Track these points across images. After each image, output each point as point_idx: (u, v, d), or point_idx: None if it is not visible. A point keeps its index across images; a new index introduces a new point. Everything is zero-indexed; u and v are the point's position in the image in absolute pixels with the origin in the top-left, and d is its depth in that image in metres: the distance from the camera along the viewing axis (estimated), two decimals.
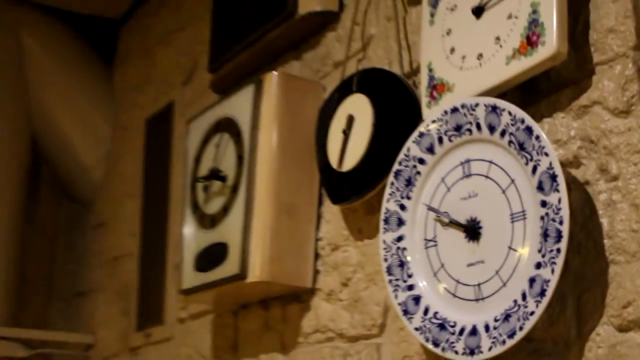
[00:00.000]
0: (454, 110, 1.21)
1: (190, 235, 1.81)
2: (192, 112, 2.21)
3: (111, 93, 2.77)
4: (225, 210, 1.68)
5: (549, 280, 1.01)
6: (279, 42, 1.80)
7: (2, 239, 2.52)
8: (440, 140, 1.24)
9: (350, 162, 1.46)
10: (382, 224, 1.32)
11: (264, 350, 1.76)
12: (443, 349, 1.16)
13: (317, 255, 1.63)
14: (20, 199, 2.60)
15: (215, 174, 1.71)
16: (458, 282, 1.18)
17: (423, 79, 1.33)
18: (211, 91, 2.10)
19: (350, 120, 1.48)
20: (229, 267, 1.63)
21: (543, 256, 1.02)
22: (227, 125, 1.74)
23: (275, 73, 1.67)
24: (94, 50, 2.82)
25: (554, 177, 1.02)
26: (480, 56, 1.20)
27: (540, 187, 1.04)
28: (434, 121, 1.25)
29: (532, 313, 1.02)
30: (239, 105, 1.71)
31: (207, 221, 1.74)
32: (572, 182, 1.07)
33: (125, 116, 2.67)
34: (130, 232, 2.48)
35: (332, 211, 1.61)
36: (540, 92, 1.16)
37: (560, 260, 0.99)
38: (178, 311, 2.14)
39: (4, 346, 2.45)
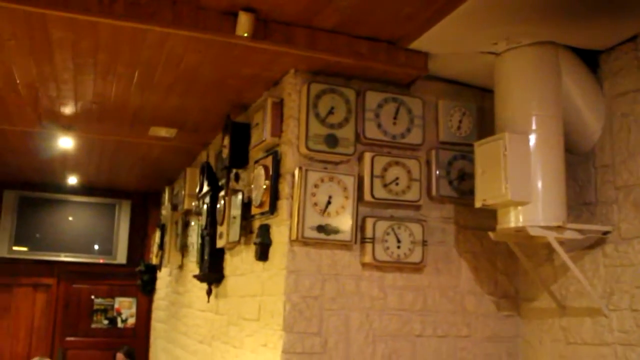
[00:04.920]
0: None
1: None
2: None
3: (600, 93, 3.34)
4: None
5: None
6: None
7: (559, 176, 3.21)
8: None
9: None
10: None
11: None
12: None
13: None
14: (562, 152, 3.24)
15: None
16: None
17: None
18: None
19: None
20: None
21: None
22: None
23: None
24: (588, 68, 3.40)
25: None
26: None
27: None
28: None
29: None
30: None
31: None
32: None
33: (623, 107, 3.16)
34: None
35: None
36: None
37: None
38: None
39: (570, 234, 3.17)
